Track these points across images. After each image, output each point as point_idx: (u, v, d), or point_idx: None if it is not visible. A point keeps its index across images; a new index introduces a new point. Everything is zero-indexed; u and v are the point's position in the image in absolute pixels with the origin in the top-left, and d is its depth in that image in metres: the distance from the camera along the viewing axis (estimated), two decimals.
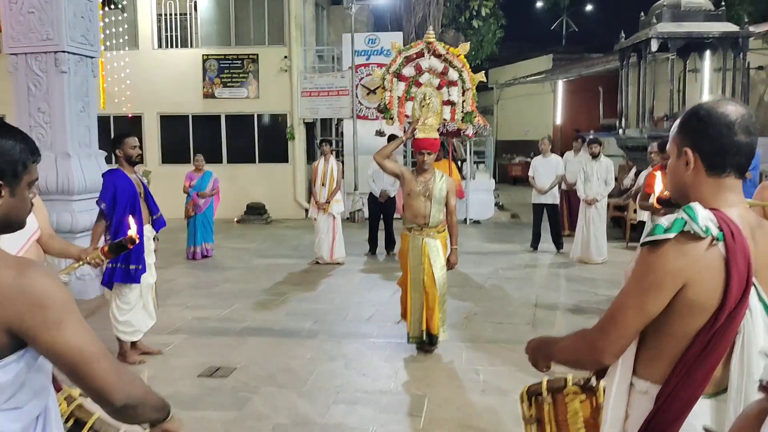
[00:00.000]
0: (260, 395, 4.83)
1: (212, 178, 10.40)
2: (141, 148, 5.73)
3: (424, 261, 5.68)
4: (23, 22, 7.53)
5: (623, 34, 13.09)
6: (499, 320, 6.82)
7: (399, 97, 5.89)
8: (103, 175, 5.62)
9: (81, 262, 3.36)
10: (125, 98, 14.29)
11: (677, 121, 1.83)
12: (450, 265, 5.75)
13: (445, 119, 5.89)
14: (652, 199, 3.14)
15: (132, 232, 3.07)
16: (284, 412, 4.54)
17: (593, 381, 2.10)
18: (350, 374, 5.28)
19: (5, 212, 1.53)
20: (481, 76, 5.93)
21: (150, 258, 5.55)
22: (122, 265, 5.31)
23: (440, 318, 5.72)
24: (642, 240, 1.69)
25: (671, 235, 1.60)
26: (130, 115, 14.75)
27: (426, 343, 5.77)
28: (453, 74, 5.81)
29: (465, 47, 6.01)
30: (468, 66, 5.83)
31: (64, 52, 7.55)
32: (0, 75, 9.06)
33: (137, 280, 5.39)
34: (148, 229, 5.51)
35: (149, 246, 5.54)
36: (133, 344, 5.61)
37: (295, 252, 10.71)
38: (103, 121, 11.56)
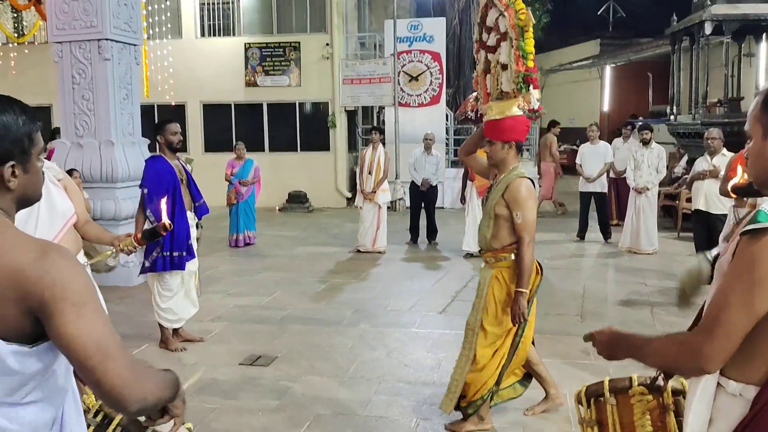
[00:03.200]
0: (301, 384, 4.75)
1: (254, 166, 10.39)
2: (184, 136, 5.69)
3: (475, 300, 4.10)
4: (67, 11, 7.59)
5: (675, 18, 12.63)
6: (545, 311, 6.61)
7: (481, 72, 4.19)
8: (145, 161, 5.61)
9: (114, 250, 3.32)
10: (168, 87, 14.39)
11: (759, 99, 1.61)
12: (512, 314, 3.86)
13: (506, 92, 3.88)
14: (731, 184, 2.92)
15: (164, 219, 3.00)
16: (325, 401, 4.45)
17: (660, 380, 1.93)
18: (392, 364, 5.16)
19: (22, 191, 1.46)
20: (528, 16, 3.79)
21: (195, 244, 5.53)
22: (166, 252, 5.28)
23: (449, 387, 4.04)
24: (743, 229, 1.50)
25: None
26: (173, 104, 14.86)
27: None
28: (500, 22, 3.92)
29: None
30: (516, 6, 3.83)
31: (107, 39, 7.58)
32: (46, 64, 9.19)
33: (182, 267, 5.36)
34: (190, 216, 5.48)
35: (192, 233, 5.51)
36: (175, 331, 5.59)
37: (337, 240, 10.64)
38: (147, 110, 11.68)
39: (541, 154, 14.30)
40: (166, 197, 4.10)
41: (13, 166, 1.41)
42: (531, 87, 3.70)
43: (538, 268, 4.06)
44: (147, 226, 5.12)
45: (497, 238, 3.93)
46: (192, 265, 5.52)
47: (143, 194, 5.29)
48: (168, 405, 1.54)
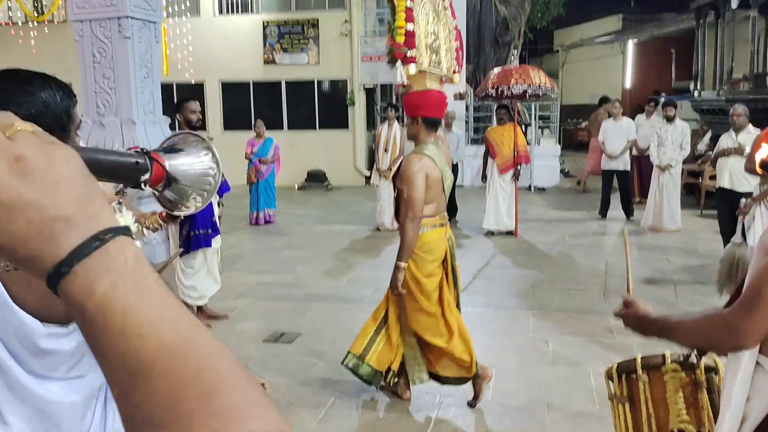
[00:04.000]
0: (325, 361, 4.78)
1: (273, 144, 10.39)
2: (203, 115, 5.71)
3: None
4: None
5: None
6: (567, 287, 6.60)
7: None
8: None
9: (140, 227, 3.33)
10: (187, 65, 14.39)
11: None
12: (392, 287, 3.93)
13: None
14: (759, 158, 2.87)
15: None
16: (348, 378, 4.47)
17: (693, 358, 1.92)
18: None
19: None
20: None
21: (216, 222, 5.57)
22: (193, 231, 5.32)
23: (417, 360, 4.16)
24: None
25: None
26: (192, 82, 14.87)
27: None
28: None
29: None
30: None
31: (127, 17, 7.57)
32: (66, 43, 9.20)
33: (209, 244, 5.41)
34: None
35: (215, 210, 5.54)
36: (200, 309, 5.64)
37: (356, 219, 10.65)
38: (166, 88, 11.68)
39: (590, 130, 14.12)
40: None
41: None
42: (399, 62, 3.76)
43: (449, 248, 4.03)
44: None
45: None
46: (215, 243, 5.56)
47: None
48: None
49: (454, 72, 4.38)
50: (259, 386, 0.55)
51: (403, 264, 3.84)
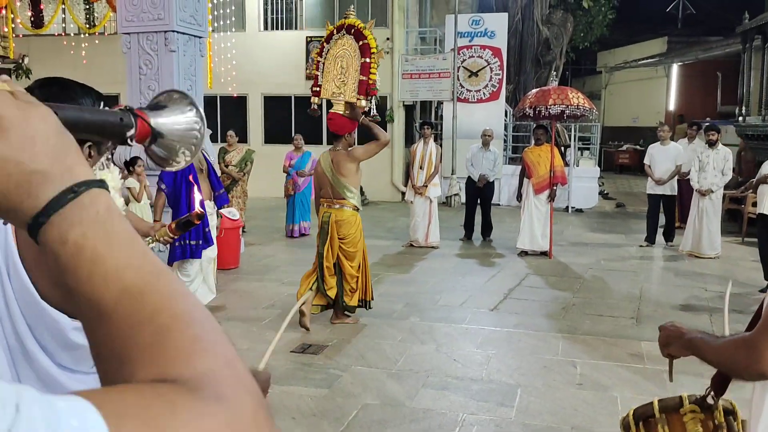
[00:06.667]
0: (350, 374, 4.81)
1: (311, 158, 10.52)
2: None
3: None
4: (136, 3, 7.83)
5: (747, 15, 12.18)
6: (599, 312, 6.51)
7: None
8: None
9: (150, 239, 3.41)
10: (231, 78, 14.69)
11: None
12: None
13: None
14: None
15: (197, 207, 3.08)
16: (373, 392, 4.50)
17: (710, 399, 1.90)
18: (441, 359, 5.17)
19: (95, 171, 1.53)
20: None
21: (214, 233, 5.69)
22: (182, 241, 5.44)
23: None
24: None
25: None
26: (235, 95, 15.16)
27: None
28: None
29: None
30: None
31: (173, 31, 7.79)
32: (115, 54, 9.49)
33: (198, 255, 5.52)
34: (210, 205, 5.63)
35: (212, 221, 5.66)
36: None
37: (390, 234, 10.69)
38: (210, 101, 11.96)
39: None
40: (195, 187, 4.21)
41: (90, 146, 1.49)
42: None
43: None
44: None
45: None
46: (210, 252, 5.66)
47: (160, 188, 5.53)
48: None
49: (358, 96, 5.75)
50: (215, 327, 0.59)
51: None
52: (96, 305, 0.56)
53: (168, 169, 1.04)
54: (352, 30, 5.76)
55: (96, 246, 0.57)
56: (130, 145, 0.91)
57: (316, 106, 5.94)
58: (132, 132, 0.88)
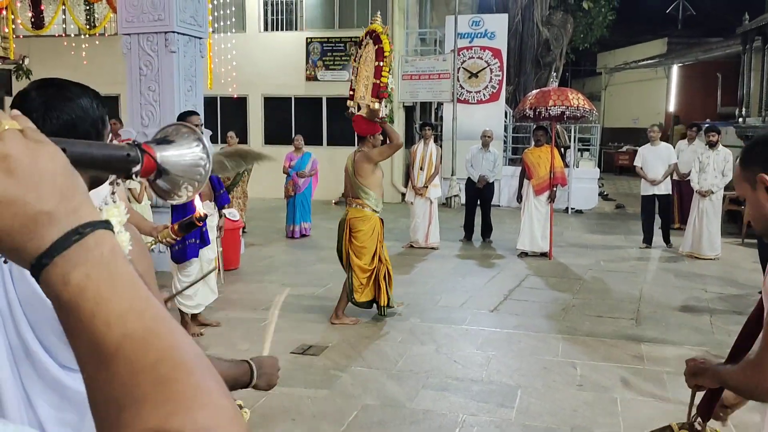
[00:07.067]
0: (350, 375, 4.81)
1: (311, 158, 10.52)
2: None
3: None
4: (136, 4, 7.84)
5: (747, 17, 12.19)
6: (599, 313, 6.52)
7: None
8: None
9: (153, 240, 3.42)
10: (231, 79, 14.70)
11: (740, 160, 1.72)
12: None
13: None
14: None
15: (199, 209, 3.08)
16: (373, 393, 4.50)
17: (698, 425, 1.93)
18: (441, 360, 5.18)
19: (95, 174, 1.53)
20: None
21: (213, 233, 5.68)
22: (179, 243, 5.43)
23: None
24: None
25: None
26: (235, 96, 15.17)
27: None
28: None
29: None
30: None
31: (173, 32, 7.80)
32: (115, 55, 9.50)
33: (195, 255, 5.51)
34: (210, 205, 5.63)
35: (211, 222, 5.66)
36: (194, 316, 5.78)
37: (390, 235, 10.66)
38: (210, 102, 11.94)
39: None
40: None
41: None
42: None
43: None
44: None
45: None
46: (210, 252, 5.66)
47: None
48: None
49: (372, 99, 6.02)
50: (217, 378, 0.58)
51: None
52: (97, 348, 0.55)
53: (170, 202, 1.05)
54: (374, 35, 5.98)
55: (99, 288, 0.57)
56: (134, 180, 0.92)
57: (352, 110, 6.26)
58: (138, 168, 0.89)
